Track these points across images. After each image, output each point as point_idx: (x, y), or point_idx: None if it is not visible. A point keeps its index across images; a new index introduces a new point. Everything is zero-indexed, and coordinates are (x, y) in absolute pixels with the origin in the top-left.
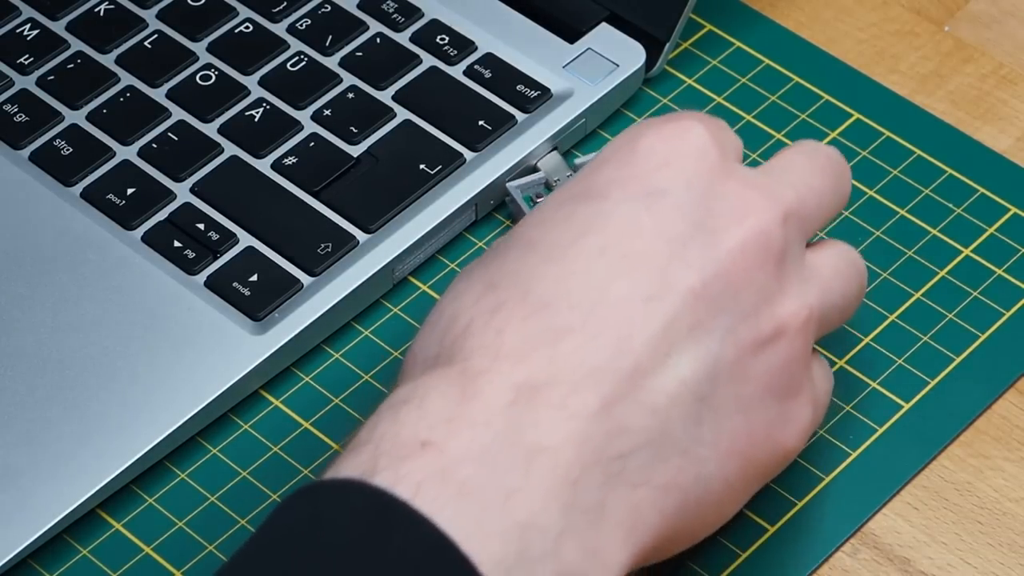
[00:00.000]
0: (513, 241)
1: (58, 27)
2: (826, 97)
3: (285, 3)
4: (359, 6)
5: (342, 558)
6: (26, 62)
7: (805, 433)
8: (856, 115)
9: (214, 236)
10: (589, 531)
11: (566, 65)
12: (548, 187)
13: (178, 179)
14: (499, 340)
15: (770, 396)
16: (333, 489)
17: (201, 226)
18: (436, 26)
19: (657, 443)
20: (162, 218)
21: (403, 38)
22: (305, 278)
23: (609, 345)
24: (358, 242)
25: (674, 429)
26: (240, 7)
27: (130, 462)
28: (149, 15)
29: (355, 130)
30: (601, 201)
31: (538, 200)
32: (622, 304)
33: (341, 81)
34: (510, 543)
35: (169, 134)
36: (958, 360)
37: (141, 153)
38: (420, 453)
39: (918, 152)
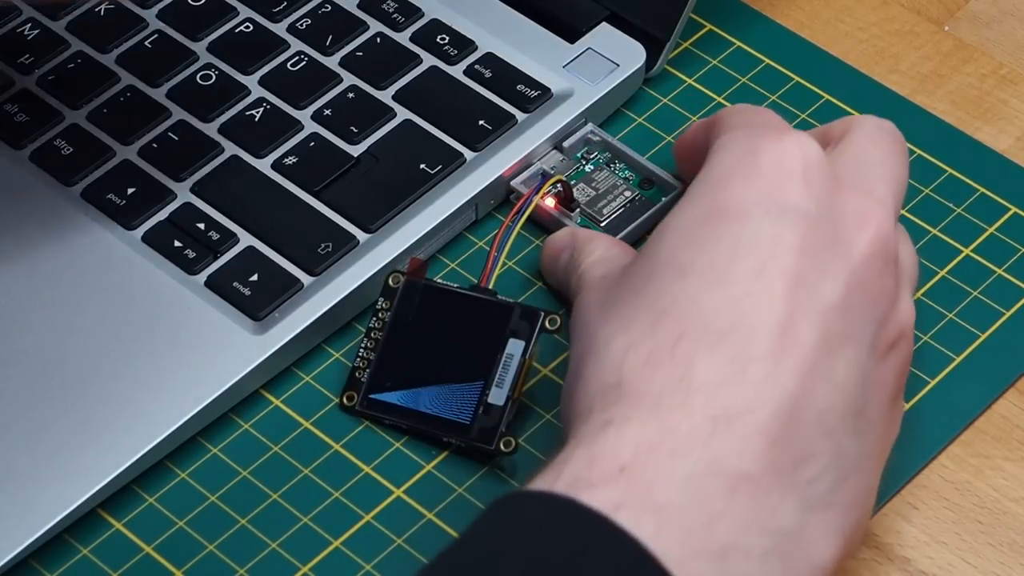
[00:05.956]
0: (660, 264)
1: (58, 27)
2: (826, 97)
3: (285, 3)
4: (359, 6)
5: (541, 567)
6: (26, 62)
7: (900, 421)
8: (856, 115)
9: (214, 236)
10: (788, 553)
11: (566, 65)
12: (546, 176)
13: (178, 179)
14: (690, 373)
15: (893, 400)
16: (533, 499)
17: (201, 226)
18: (436, 26)
19: (837, 464)
20: (162, 218)
21: (403, 38)
22: (305, 278)
23: (789, 369)
24: (358, 242)
25: (847, 447)
26: (240, 7)
27: (130, 462)
28: (149, 15)
29: (355, 130)
30: (743, 219)
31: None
32: (787, 327)
33: (341, 81)
34: (713, 563)
35: (169, 134)
36: (958, 360)
37: (141, 153)
38: (619, 477)
39: (918, 152)
